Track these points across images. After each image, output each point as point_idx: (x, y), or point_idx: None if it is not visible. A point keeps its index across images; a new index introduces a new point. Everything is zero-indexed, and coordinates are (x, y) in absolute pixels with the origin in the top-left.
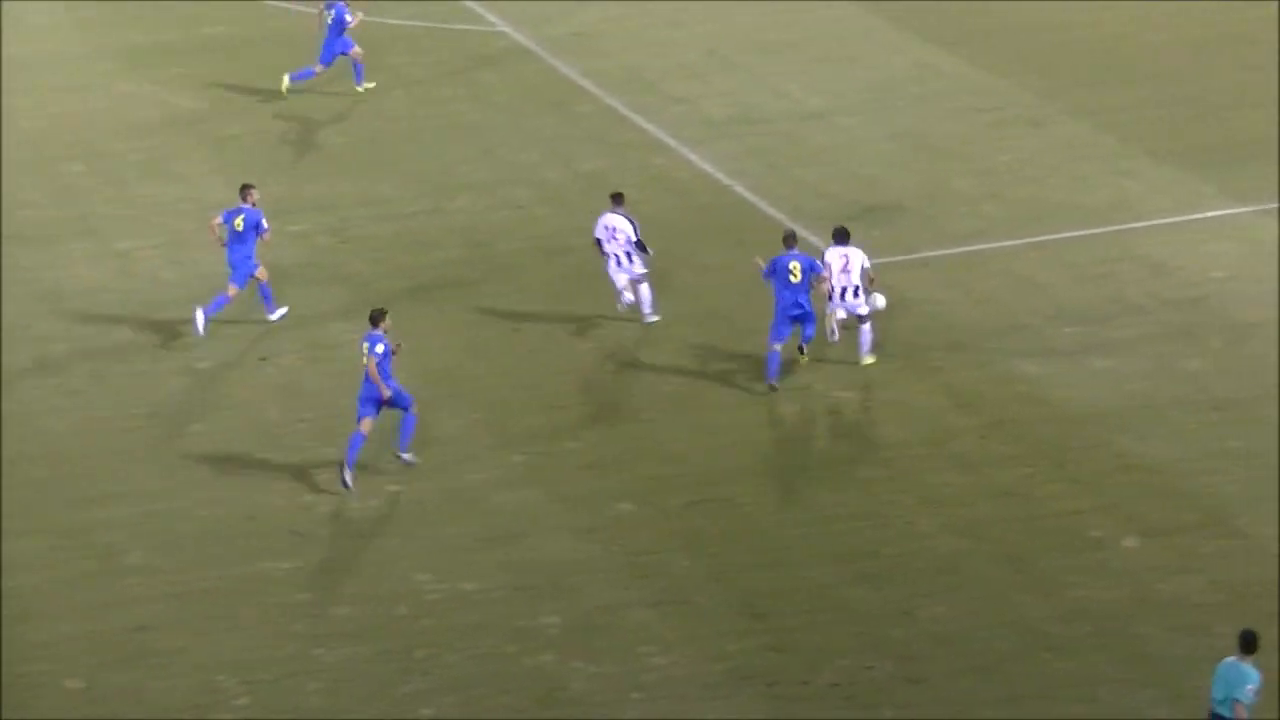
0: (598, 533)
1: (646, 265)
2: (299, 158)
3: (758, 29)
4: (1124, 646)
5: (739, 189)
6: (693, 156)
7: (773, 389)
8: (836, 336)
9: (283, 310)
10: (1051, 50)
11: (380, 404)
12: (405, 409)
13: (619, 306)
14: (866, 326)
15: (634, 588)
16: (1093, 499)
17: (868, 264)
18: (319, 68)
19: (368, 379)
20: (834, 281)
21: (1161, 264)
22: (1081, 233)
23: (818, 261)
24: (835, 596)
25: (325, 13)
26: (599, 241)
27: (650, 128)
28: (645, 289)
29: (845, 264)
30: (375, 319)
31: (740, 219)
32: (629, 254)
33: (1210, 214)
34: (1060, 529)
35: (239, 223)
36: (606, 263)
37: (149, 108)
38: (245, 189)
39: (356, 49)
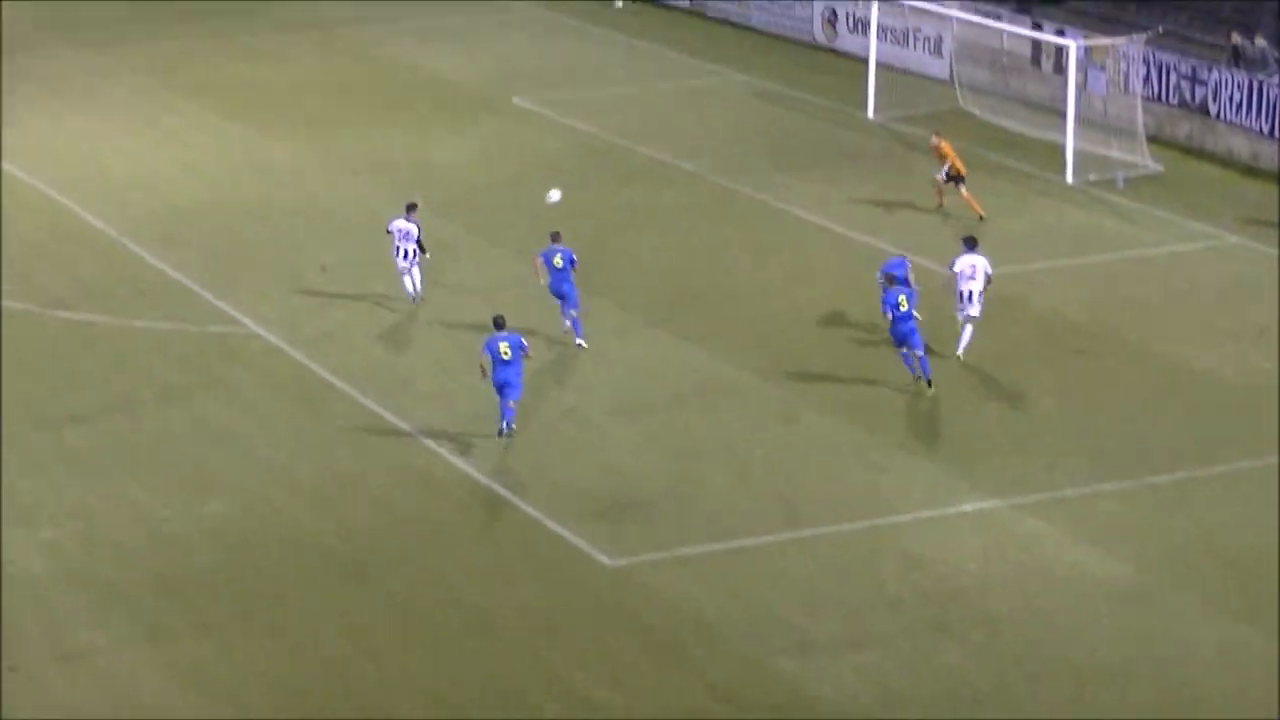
0: None
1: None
2: (47, 460)
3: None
4: None
5: (497, 487)
6: (453, 459)
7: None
8: (960, 349)
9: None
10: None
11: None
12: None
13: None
14: (970, 328)
15: None
16: None
17: (990, 271)
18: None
19: (503, 369)
20: (961, 287)
21: (917, 557)
22: (836, 527)
23: (914, 293)
24: None
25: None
26: (391, 233)
27: (404, 425)
28: (418, 274)
29: (972, 271)
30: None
31: (494, 518)
32: (417, 249)
33: (964, 508)
34: None
35: (558, 260)
36: (395, 254)
37: None
38: (554, 235)
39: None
